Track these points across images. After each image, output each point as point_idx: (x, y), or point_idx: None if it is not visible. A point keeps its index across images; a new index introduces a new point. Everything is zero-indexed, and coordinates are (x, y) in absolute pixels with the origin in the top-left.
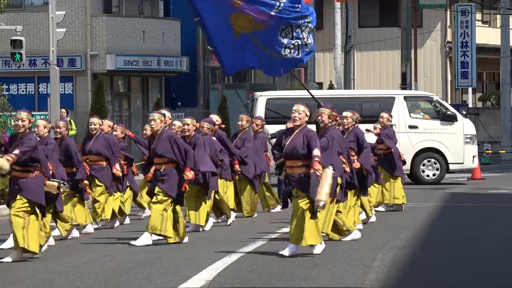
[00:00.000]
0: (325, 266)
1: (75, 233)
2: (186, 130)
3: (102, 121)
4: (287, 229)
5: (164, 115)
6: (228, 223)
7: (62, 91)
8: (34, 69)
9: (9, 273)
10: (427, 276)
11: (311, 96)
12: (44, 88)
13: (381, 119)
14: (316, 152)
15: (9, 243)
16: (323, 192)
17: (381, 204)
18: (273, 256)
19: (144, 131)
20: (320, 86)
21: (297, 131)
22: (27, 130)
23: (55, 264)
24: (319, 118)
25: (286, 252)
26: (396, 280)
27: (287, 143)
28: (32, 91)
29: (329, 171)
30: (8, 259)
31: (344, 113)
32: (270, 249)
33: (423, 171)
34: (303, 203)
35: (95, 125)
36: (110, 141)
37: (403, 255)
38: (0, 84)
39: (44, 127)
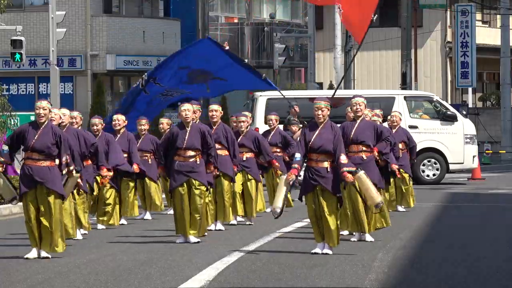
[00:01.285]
0: (325, 266)
1: (78, 235)
2: (214, 116)
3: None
4: (287, 229)
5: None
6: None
7: (62, 91)
8: (34, 69)
9: (9, 273)
10: (427, 276)
11: (310, 96)
12: (44, 88)
13: (393, 118)
14: (343, 158)
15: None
16: (279, 200)
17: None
18: (273, 256)
19: (160, 125)
20: (320, 86)
21: (321, 126)
22: (47, 120)
23: (55, 264)
24: (355, 108)
25: (318, 250)
26: (396, 280)
27: (313, 138)
28: (32, 91)
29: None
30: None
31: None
32: (270, 249)
33: (423, 171)
34: (327, 206)
35: (97, 125)
36: (111, 140)
37: (403, 255)
38: (0, 84)
39: (71, 117)
